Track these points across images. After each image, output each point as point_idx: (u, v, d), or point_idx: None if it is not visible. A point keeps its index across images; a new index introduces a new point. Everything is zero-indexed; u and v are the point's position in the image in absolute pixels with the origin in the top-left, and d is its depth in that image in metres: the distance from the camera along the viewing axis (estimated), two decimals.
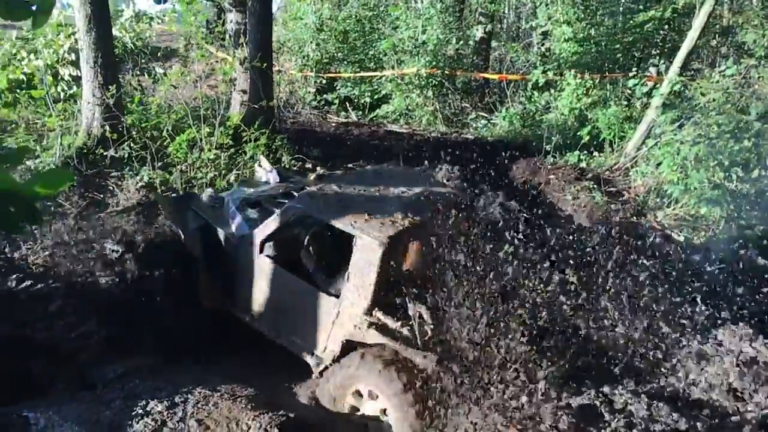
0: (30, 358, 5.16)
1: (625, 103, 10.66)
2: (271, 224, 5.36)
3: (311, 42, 13.22)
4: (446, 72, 12.27)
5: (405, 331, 4.58)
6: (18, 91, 9.68)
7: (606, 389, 4.42)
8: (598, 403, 4.25)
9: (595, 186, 8.30)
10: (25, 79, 9.88)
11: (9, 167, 1.23)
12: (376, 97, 12.83)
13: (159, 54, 12.58)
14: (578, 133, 9.80)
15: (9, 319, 5.49)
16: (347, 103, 12.82)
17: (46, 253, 6.44)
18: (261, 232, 5.42)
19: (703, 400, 4.19)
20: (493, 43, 14.57)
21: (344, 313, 4.91)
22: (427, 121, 12.08)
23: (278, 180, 6.65)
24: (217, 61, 10.98)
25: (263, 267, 5.44)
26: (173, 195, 7.45)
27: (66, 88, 9.91)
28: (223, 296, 5.79)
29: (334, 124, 11.90)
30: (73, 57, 9.84)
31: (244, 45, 9.33)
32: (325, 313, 5.08)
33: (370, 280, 4.69)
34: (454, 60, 12.91)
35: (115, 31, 10.36)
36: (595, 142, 9.70)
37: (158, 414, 4.57)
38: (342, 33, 13.57)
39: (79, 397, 4.84)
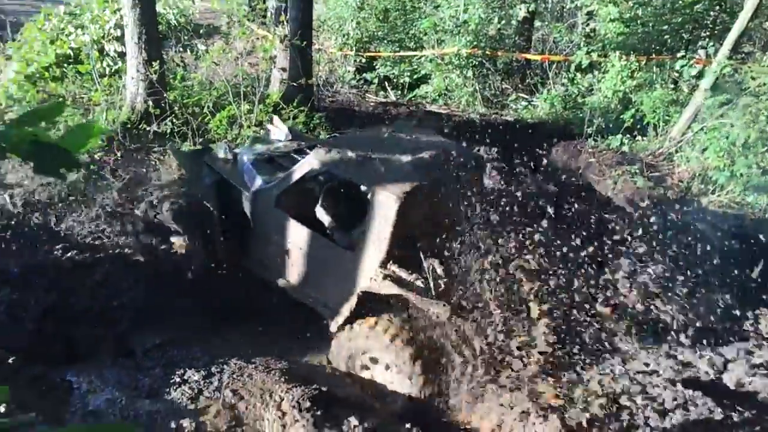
0: (74, 325, 5.35)
1: (672, 86, 10.38)
2: (286, 179, 5.45)
3: (352, 20, 13.16)
4: (487, 52, 12.10)
5: (419, 283, 4.67)
6: (65, 65, 9.89)
7: (640, 377, 4.39)
8: (632, 390, 4.22)
9: (638, 171, 8.13)
10: (72, 54, 10.06)
11: (45, 124, 1.28)
12: (415, 77, 12.73)
13: (201, 31, 12.69)
14: (621, 117, 9.59)
15: (55, 288, 5.68)
16: (386, 82, 12.76)
17: (91, 224, 6.64)
18: (277, 187, 5.49)
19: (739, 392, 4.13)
20: (536, 23, 14.28)
21: (360, 266, 5.01)
22: (466, 102, 11.95)
23: (290, 138, 6.67)
24: (257, 39, 11.04)
25: (279, 222, 5.51)
26: (188, 149, 7.51)
27: (111, 64, 10.08)
28: (239, 252, 5.88)
29: (372, 104, 11.88)
30: (118, 33, 9.98)
31: (285, 23, 9.36)
32: (340, 266, 5.18)
33: (386, 233, 4.80)
34: (495, 40, 12.72)
35: (159, 8, 10.47)
36: (638, 126, 9.47)
37: (195, 383, 4.71)
38: (383, 11, 13.47)
39: (119, 364, 5.01)
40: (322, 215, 5.46)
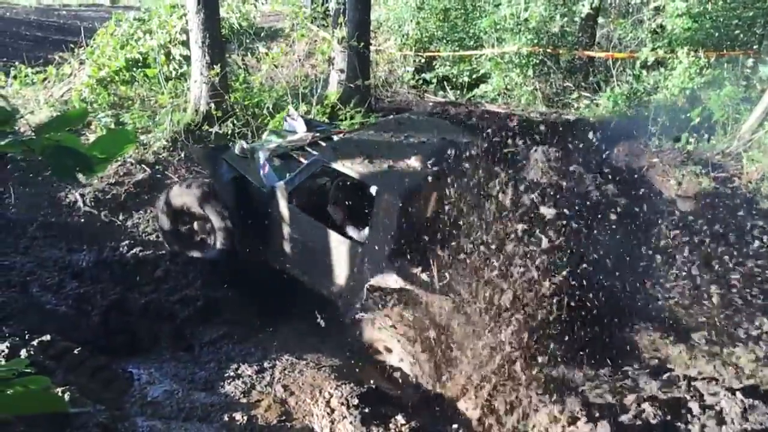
0: (137, 319, 5.57)
1: (744, 83, 9.92)
2: (298, 176, 5.64)
3: (411, 21, 13.16)
4: (548, 50, 11.89)
5: (424, 276, 4.80)
6: (135, 69, 10.30)
7: (699, 384, 4.26)
8: (688, 397, 4.09)
9: (703, 171, 7.83)
10: (140, 58, 10.49)
11: (70, 129, 1.35)
12: (474, 76, 12.61)
13: (262, 34, 12.97)
14: (688, 115, 9.23)
15: (119, 282, 5.94)
16: (445, 82, 12.70)
17: (154, 222, 6.90)
18: (289, 183, 5.66)
19: None
20: (600, 20, 13.93)
21: (368, 260, 5.17)
22: (527, 101, 11.77)
23: (306, 129, 6.78)
24: (315, 41, 11.20)
25: (293, 216, 5.68)
26: (207, 147, 7.66)
27: (177, 67, 10.44)
28: (258, 246, 6.02)
29: (431, 104, 11.85)
30: (184, 37, 10.33)
31: (343, 24, 9.46)
32: (351, 259, 5.33)
33: (392, 229, 4.96)
34: (557, 37, 12.47)
35: (222, 12, 10.78)
36: (706, 125, 9.10)
37: (248, 377, 4.82)
38: (443, 11, 13.42)
39: (177, 357, 5.18)
40: (333, 210, 5.62)
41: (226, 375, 4.85)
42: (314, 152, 6.04)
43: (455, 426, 4.46)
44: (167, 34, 10.68)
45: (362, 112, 8.98)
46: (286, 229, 5.77)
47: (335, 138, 6.40)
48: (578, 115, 11.17)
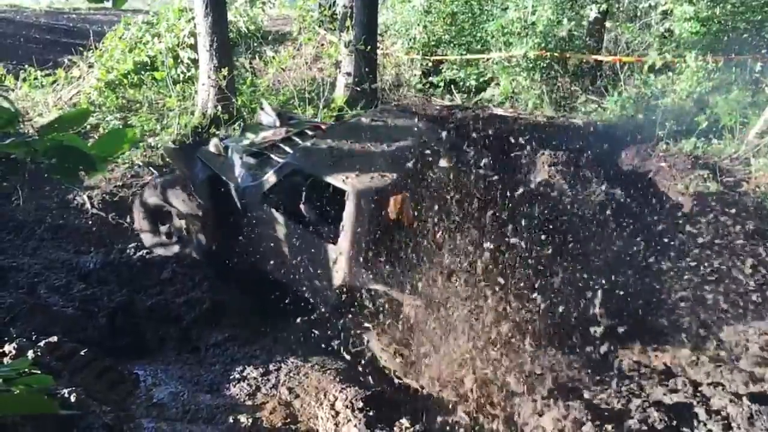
0: (143, 321, 5.59)
1: (752, 87, 9.88)
2: (270, 178, 5.69)
3: (418, 24, 13.18)
4: (556, 54, 11.87)
5: (394, 275, 4.91)
6: (143, 72, 10.36)
7: (705, 389, 4.24)
8: (694, 402, 4.08)
9: (711, 175, 7.79)
10: (149, 61, 10.55)
11: (73, 130, 1.35)
12: (481, 80, 12.60)
13: (270, 38, 13.01)
14: (695, 119, 9.20)
15: (126, 284, 5.96)
16: (452, 86, 12.71)
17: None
18: (263, 184, 5.73)
19: None
20: (608, 24, 13.89)
21: (340, 259, 5.24)
22: (534, 105, 11.75)
23: (279, 124, 6.79)
24: (322, 45, 11.22)
25: (267, 217, 5.75)
26: (181, 145, 7.68)
27: (185, 71, 10.50)
28: (235, 245, 6.04)
29: (438, 108, 11.83)
30: (192, 41, 10.39)
31: (351, 28, 9.49)
32: (324, 259, 5.40)
33: (362, 230, 5.07)
34: (565, 41, 12.45)
35: (230, 16, 10.83)
36: (713, 129, 9.07)
37: (253, 380, 4.83)
38: (450, 15, 13.42)
39: (183, 359, 5.20)
40: (306, 210, 5.67)
41: (232, 377, 4.86)
42: (287, 148, 6.13)
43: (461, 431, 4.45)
44: (175, 37, 10.73)
45: None
46: (261, 230, 5.84)
47: (309, 132, 6.46)
48: (586, 120, 11.14)
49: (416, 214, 4.97)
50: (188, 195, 6.17)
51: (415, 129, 6.09)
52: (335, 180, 5.29)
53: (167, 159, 7.25)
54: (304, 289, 5.68)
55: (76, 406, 3.79)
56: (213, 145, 6.43)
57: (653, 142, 9.10)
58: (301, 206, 5.69)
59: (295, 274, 5.67)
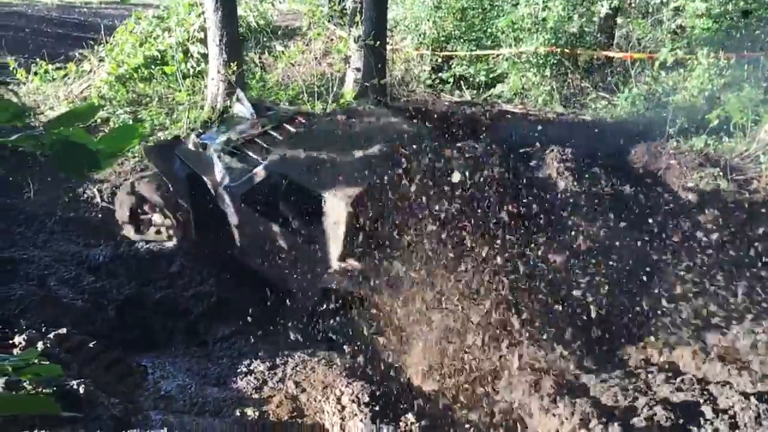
0: (151, 314, 5.63)
1: (764, 85, 9.79)
2: (248, 181, 5.77)
3: (428, 20, 13.14)
4: (566, 50, 11.81)
5: (372, 276, 5.03)
6: (153, 66, 10.39)
7: (712, 387, 4.22)
8: (701, 400, 4.06)
9: (721, 173, 7.74)
10: (159, 55, 10.58)
11: (80, 124, 1.36)
12: (491, 76, 12.56)
13: (280, 33, 13.02)
14: (706, 117, 9.13)
15: (135, 278, 6.00)
16: (462, 81, 12.67)
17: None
18: (242, 186, 5.80)
19: None
20: (619, 20, 13.81)
21: (320, 260, 5.37)
22: (543, 101, 11.71)
23: (255, 115, 6.76)
24: (331, 39, 11.21)
25: (247, 216, 5.83)
26: (159, 143, 7.66)
27: (195, 65, 10.52)
28: (215, 242, 6.12)
29: (447, 103, 11.82)
30: (202, 35, 10.40)
31: (360, 23, 9.47)
32: (305, 259, 5.50)
33: (340, 233, 5.19)
34: (575, 37, 12.39)
35: (240, 11, 10.84)
36: (724, 127, 9.00)
37: (260, 373, 4.85)
38: (460, 10, 13.37)
39: (191, 352, 5.23)
40: (285, 210, 5.70)
41: (239, 371, 4.88)
42: (264, 144, 6.16)
43: (467, 426, 4.45)
44: (185, 32, 10.75)
45: None
46: (242, 227, 5.91)
47: (286, 126, 6.46)
48: (595, 116, 11.09)
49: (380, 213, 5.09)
50: (166, 192, 6.20)
51: (393, 127, 6.14)
52: (314, 186, 5.39)
53: (145, 157, 7.24)
54: (289, 286, 5.71)
55: (85, 397, 3.82)
56: (191, 142, 6.39)
57: (663, 140, 9.04)
58: (281, 204, 5.72)
59: (276, 272, 5.73)
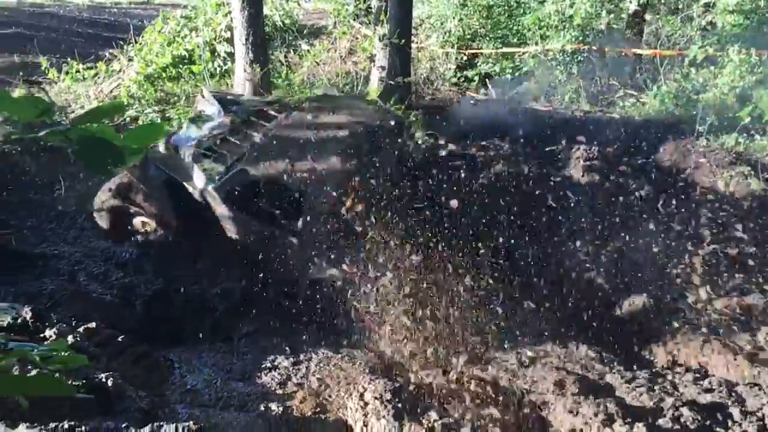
0: (179, 309, 5.71)
1: None
2: (227, 182, 5.74)
3: (454, 17, 13.11)
4: (594, 48, 11.69)
5: (355, 267, 5.10)
6: (181, 66, 10.53)
7: (740, 388, 4.16)
8: (729, 402, 4.00)
9: (752, 172, 7.59)
10: (186, 55, 10.71)
11: (107, 121, 1.39)
12: (517, 74, 12.51)
13: (305, 32, 13.09)
14: (737, 114, 8.97)
15: (163, 274, 6.09)
16: (487, 80, 12.62)
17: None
18: (221, 187, 5.75)
19: None
20: (648, 17, 13.63)
21: (303, 253, 5.39)
22: (570, 99, 11.61)
23: (222, 112, 6.55)
24: (356, 38, 11.25)
25: (229, 215, 5.79)
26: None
27: (222, 64, 10.64)
28: (198, 245, 6.12)
29: (472, 102, 11.79)
30: (229, 34, 10.51)
31: (385, 21, 9.49)
32: (288, 253, 5.49)
33: (320, 224, 5.25)
34: (603, 35, 12.26)
35: (266, 10, 10.93)
36: (756, 125, 8.83)
37: (284, 369, 4.89)
38: (486, 8, 13.32)
39: (216, 347, 5.29)
40: (266, 207, 5.70)
41: (263, 366, 4.92)
42: (237, 141, 6.09)
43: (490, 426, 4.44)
44: (212, 31, 10.87)
45: (402, 108, 8.99)
46: (225, 226, 5.89)
47: (254, 120, 6.38)
48: (623, 114, 10.96)
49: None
50: (144, 196, 6.18)
51: (361, 113, 6.23)
52: (288, 185, 5.47)
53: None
54: (275, 285, 5.70)
55: (113, 390, 3.89)
56: (162, 146, 6.25)
57: (693, 138, 8.90)
58: (262, 200, 5.73)
59: (264, 269, 5.66)
